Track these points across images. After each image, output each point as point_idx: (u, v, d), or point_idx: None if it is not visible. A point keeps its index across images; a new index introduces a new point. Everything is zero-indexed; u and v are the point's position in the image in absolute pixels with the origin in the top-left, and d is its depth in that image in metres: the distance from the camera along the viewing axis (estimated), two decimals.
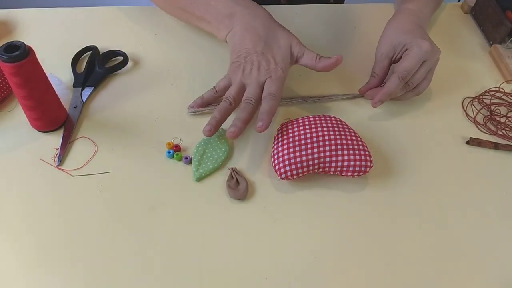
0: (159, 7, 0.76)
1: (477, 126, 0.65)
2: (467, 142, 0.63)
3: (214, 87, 0.62)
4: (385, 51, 0.65)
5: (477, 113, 0.67)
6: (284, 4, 0.85)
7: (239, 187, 0.56)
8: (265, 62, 0.60)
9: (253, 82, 0.60)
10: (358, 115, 0.66)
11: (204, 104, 0.63)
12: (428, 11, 0.72)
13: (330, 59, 0.61)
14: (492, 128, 0.65)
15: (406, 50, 0.63)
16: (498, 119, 0.66)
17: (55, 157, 0.59)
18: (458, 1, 0.88)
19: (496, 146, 0.62)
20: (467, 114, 0.67)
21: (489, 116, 0.66)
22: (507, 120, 0.66)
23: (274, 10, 0.81)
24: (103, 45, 0.73)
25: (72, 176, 0.57)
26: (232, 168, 0.58)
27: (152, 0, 0.76)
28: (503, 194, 0.58)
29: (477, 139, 0.62)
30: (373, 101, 0.63)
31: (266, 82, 0.60)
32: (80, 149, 0.60)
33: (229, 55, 0.63)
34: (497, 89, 0.70)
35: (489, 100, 0.68)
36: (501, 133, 0.64)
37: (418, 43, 0.61)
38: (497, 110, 0.67)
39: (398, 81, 0.61)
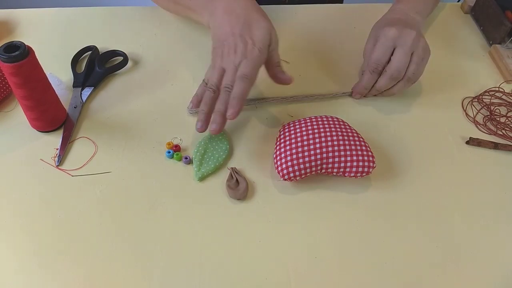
0: (155, 3, 0.77)
1: (477, 126, 0.65)
2: (467, 142, 0.63)
3: (203, 80, 0.60)
4: (368, 48, 0.66)
5: (477, 113, 0.67)
6: (286, 4, 0.85)
7: (239, 187, 0.56)
8: (242, 44, 0.57)
9: (230, 66, 0.57)
10: (359, 115, 0.66)
11: (200, 101, 0.61)
12: (423, 9, 0.71)
13: (286, 75, 0.61)
14: (492, 128, 0.65)
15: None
16: (498, 119, 0.66)
17: (55, 157, 0.59)
18: (458, 1, 0.88)
19: (496, 146, 0.62)
20: (467, 114, 0.67)
21: (489, 116, 0.66)
22: (507, 120, 0.66)
23: (276, 10, 0.82)
24: (103, 45, 0.73)
25: (72, 176, 0.57)
26: (232, 168, 0.58)
27: None
28: (503, 194, 0.58)
29: (477, 139, 0.62)
30: (353, 94, 0.67)
31: (241, 63, 0.57)
32: (80, 149, 0.60)
33: None
34: (497, 89, 0.70)
35: (489, 100, 0.68)
36: (501, 133, 0.64)
37: (384, 31, 0.61)
38: (497, 110, 0.67)
39: (369, 74, 0.62)
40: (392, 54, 0.62)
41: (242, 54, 0.57)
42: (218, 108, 0.56)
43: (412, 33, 0.61)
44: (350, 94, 0.68)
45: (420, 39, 0.62)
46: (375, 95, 0.67)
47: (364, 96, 0.68)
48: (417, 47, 0.61)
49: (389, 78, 0.62)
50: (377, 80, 0.64)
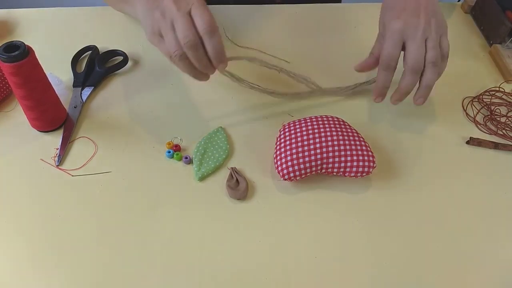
0: (108, 4, 0.76)
1: (477, 126, 0.65)
2: (467, 142, 0.63)
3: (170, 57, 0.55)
4: (380, 31, 0.62)
5: (477, 113, 0.67)
6: (278, 4, 0.85)
7: (239, 187, 0.56)
8: (174, 4, 0.51)
9: (176, 17, 0.51)
10: (359, 115, 0.66)
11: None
12: None
13: None
14: (492, 128, 0.65)
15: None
16: (498, 119, 0.66)
17: (55, 157, 0.59)
18: (458, 1, 0.88)
19: (496, 146, 0.62)
20: (467, 114, 0.67)
21: (489, 116, 0.66)
22: (507, 120, 0.66)
23: (273, 10, 0.82)
24: (103, 45, 0.73)
25: (72, 176, 0.57)
26: (232, 168, 0.58)
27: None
28: (503, 194, 0.58)
29: (477, 139, 0.62)
30: (373, 97, 0.62)
31: (192, 14, 0.51)
32: (80, 149, 0.60)
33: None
34: (497, 88, 0.70)
35: (489, 100, 0.68)
36: (501, 133, 0.64)
37: (389, 26, 0.58)
38: (497, 110, 0.67)
39: (383, 71, 0.59)
40: (404, 48, 0.58)
41: (186, 3, 0.52)
42: (191, 73, 0.54)
43: (419, 23, 0.57)
44: (353, 89, 0.67)
45: (430, 22, 0.57)
46: (417, 101, 0.61)
47: (399, 101, 0.61)
48: (430, 32, 0.57)
49: (410, 72, 0.57)
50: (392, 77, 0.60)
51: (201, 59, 0.53)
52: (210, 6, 0.83)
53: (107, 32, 0.77)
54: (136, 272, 0.49)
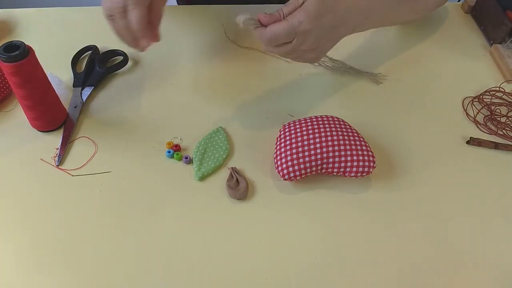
0: None
1: (477, 126, 0.65)
2: (467, 142, 0.63)
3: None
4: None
5: (478, 113, 0.67)
6: (275, 3, 0.84)
7: (239, 187, 0.56)
8: None
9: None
10: (359, 115, 0.65)
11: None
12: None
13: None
14: (493, 128, 0.65)
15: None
16: (499, 119, 0.66)
17: (55, 157, 0.59)
18: (459, 1, 0.88)
19: (496, 146, 0.62)
20: (467, 114, 0.67)
21: (489, 116, 0.66)
22: (507, 120, 0.66)
23: (271, 10, 0.81)
24: (103, 45, 0.73)
25: (72, 176, 0.57)
26: (232, 167, 0.58)
27: None
28: (503, 194, 0.58)
29: (477, 139, 0.62)
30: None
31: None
32: (80, 149, 0.60)
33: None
34: (498, 88, 0.70)
35: (489, 100, 0.68)
36: (502, 133, 0.64)
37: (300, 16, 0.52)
38: (498, 110, 0.67)
39: (267, 44, 0.54)
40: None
41: None
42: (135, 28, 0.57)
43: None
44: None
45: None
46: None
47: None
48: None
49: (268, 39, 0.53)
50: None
51: (123, 28, 0.57)
52: (211, 6, 0.83)
53: (107, 32, 0.77)
54: (136, 272, 0.49)
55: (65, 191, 0.56)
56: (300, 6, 0.53)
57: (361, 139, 0.56)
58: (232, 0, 0.85)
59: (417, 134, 0.64)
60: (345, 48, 0.75)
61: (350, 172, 0.54)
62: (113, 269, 0.50)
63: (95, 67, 0.69)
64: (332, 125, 0.57)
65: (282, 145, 0.56)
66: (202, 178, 0.57)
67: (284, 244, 0.52)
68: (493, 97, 0.69)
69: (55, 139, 0.61)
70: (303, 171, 0.54)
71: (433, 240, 0.53)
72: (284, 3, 0.54)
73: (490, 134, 0.64)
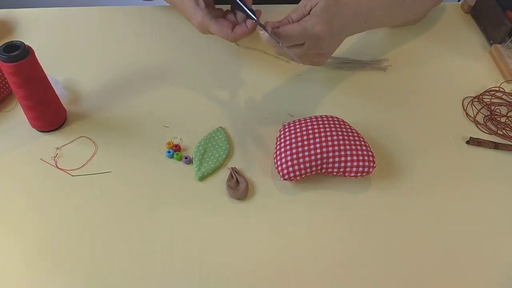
0: None
1: (477, 126, 0.65)
2: (467, 142, 0.63)
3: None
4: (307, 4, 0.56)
5: (477, 112, 0.67)
6: (275, 4, 0.84)
7: (239, 187, 0.56)
8: None
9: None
10: (359, 115, 0.65)
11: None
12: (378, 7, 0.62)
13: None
14: (492, 128, 0.65)
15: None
16: (498, 118, 0.66)
17: (55, 157, 0.59)
18: (458, 1, 0.88)
19: (496, 146, 0.62)
20: (467, 114, 0.67)
21: (489, 116, 0.66)
22: (507, 120, 0.66)
23: (270, 10, 0.81)
24: (103, 45, 0.73)
25: (72, 176, 0.57)
26: (232, 168, 0.58)
27: None
28: (503, 194, 0.58)
29: (477, 139, 0.62)
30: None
31: None
32: (80, 149, 0.60)
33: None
34: (497, 88, 0.70)
35: (489, 100, 0.68)
36: (501, 133, 0.64)
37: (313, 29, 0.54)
38: (497, 110, 0.67)
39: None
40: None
41: None
42: None
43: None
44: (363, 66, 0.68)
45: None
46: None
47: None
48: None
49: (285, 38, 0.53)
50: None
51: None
52: None
53: (107, 32, 0.77)
54: (136, 271, 0.49)
55: (65, 191, 0.56)
56: (308, 13, 0.55)
57: (361, 139, 0.56)
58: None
59: (417, 134, 0.64)
60: (345, 48, 0.76)
61: (350, 172, 0.54)
62: (113, 268, 0.50)
63: None
64: (332, 125, 0.57)
65: (282, 145, 0.56)
66: (202, 178, 0.57)
67: (284, 244, 0.52)
68: (493, 97, 0.69)
69: (55, 139, 0.61)
70: (303, 171, 0.54)
71: (432, 240, 0.53)
72: (284, 3, 0.55)
73: (490, 134, 0.64)
